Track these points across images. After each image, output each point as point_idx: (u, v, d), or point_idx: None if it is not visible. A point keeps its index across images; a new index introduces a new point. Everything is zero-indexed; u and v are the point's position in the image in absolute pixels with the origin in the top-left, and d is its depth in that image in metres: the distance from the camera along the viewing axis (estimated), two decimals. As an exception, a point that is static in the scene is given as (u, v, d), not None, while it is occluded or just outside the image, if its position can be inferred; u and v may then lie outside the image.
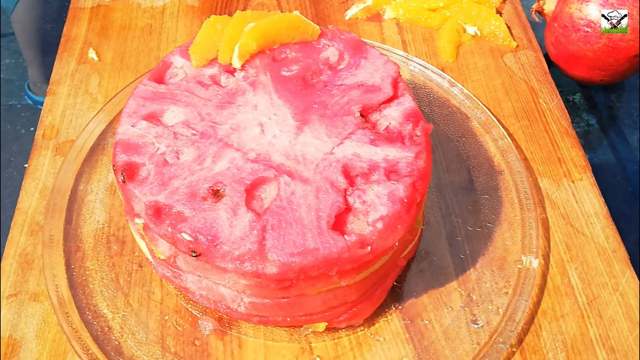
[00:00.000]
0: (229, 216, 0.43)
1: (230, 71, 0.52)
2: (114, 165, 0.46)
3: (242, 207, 0.43)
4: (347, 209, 0.44)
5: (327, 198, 0.44)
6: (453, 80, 0.64)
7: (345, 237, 0.42)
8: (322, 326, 0.48)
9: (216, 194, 0.44)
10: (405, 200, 0.44)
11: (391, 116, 0.48)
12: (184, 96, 0.50)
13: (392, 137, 0.47)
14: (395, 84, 0.50)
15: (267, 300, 0.45)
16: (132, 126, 0.48)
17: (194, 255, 0.43)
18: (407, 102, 0.49)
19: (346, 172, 0.45)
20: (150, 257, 0.49)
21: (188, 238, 0.42)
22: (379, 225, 0.43)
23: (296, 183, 0.44)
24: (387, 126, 0.48)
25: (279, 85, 0.50)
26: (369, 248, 0.42)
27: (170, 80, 0.52)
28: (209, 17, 0.53)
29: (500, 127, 0.60)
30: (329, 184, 0.44)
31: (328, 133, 0.47)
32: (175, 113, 0.49)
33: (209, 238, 0.42)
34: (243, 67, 0.52)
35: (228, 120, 0.48)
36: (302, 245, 0.42)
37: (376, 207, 0.43)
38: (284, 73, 0.51)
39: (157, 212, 0.44)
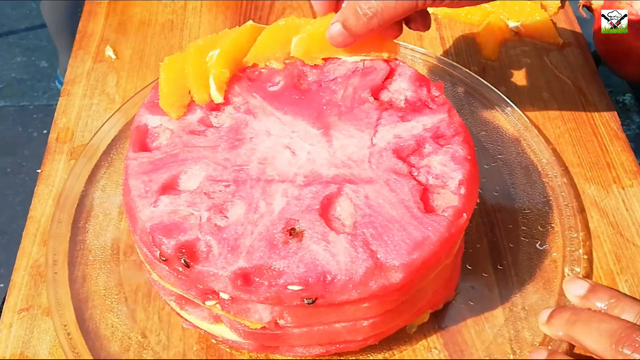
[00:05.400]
0: (324, 247, 0.39)
1: (215, 108, 0.47)
2: (163, 256, 0.40)
3: (330, 232, 0.40)
4: (424, 189, 0.42)
5: (402, 187, 0.42)
6: (486, 82, 0.60)
7: (443, 213, 0.41)
8: (426, 316, 0.47)
9: (293, 233, 0.40)
10: (469, 157, 0.44)
11: (401, 88, 0.47)
12: (187, 153, 0.44)
13: (416, 107, 0.46)
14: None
15: (387, 310, 0.42)
16: (154, 207, 0.41)
17: (309, 302, 0.38)
18: (406, 70, 0.48)
19: (399, 156, 0.44)
20: (234, 336, 0.43)
21: (297, 288, 0.38)
22: (462, 190, 0.42)
23: (363, 187, 0.42)
24: (406, 98, 0.47)
25: (276, 102, 0.46)
26: (465, 215, 0.42)
27: (154, 144, 0.45)
28: (164, 60, 0.47)
29: (535, 129, 0.57)
30: (393, 174, 0.42)
31: (357, 128, 0.45)
32: (189, 174, 0.43)
33: (320, 278, 0.38)
34: (226, 100, 0.47)
35: (251, 157, 0.44)
36: (412, 239, 0.39)
37: (449, 174, 0.43)
38: (271, 89, 0.48)
39: (246, 278, 0.38)
